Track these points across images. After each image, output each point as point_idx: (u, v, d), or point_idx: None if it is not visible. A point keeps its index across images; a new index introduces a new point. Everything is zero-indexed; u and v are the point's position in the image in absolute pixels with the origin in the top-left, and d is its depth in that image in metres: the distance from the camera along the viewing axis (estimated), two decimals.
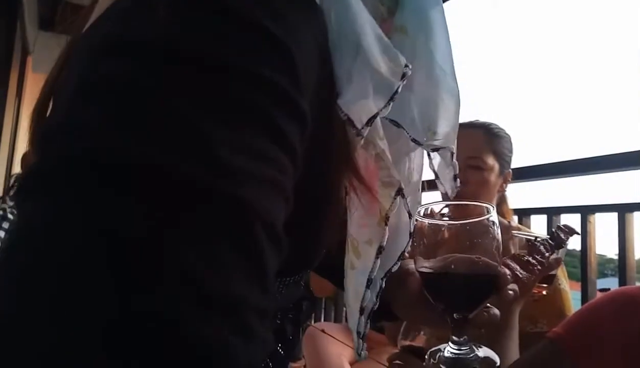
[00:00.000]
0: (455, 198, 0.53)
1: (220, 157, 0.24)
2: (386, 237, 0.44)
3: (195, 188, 0.23)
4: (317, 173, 0.37)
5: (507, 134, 1.46)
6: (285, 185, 0.28)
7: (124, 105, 0.24)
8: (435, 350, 0.51)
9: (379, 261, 0.44)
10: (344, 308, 2.54)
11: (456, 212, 0.51)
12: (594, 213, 1.90)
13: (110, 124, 0.23)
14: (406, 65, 0.39)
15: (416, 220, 0.51)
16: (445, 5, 0.53)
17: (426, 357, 0.52)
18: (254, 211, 0.25)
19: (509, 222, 1.43)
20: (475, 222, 0.46)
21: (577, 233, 0.79)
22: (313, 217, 0.41)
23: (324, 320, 2.73)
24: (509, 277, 0.47)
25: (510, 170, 1.45)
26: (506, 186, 1.44)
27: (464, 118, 1.48)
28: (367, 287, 0.46)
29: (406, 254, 0.51)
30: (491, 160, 1.40)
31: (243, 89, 0.26)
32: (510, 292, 0.47)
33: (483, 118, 1.53)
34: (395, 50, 0.39)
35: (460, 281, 0.47)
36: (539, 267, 0.52)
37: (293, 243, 0.41)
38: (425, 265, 0.49)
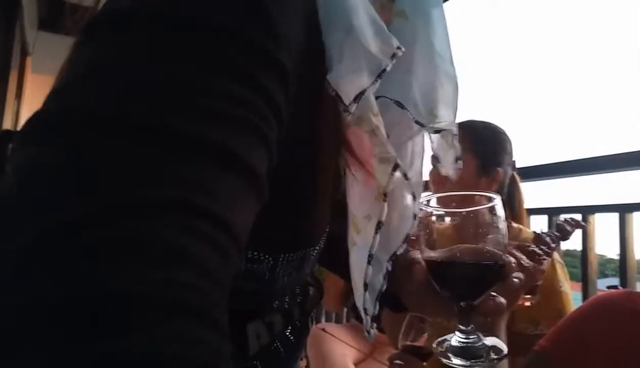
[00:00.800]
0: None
1: (186, 101, 0.25)
2: (385, 212, 0.44)
3: (163, 132, 0.24)
4: (310, 147, 0.38)
5: (495, 133, 1.42)
6: (263, 129, 0.29)
7: (99, 63, 0.26)
8: (442, 339, 0.52)
9: (378, 237, 0.45)
10: (344, 309, 2.54)
11: (461, 203, 0.52)
12: (594, 214, 1.91)
13: (88, 82, 0.26)
14: (398, 47, 0.40)
15: (421, 209, 0.52)
16: (445, 5, 0.55)
17: (434, 345, 0.52)
18: (217, 148, 0.25)
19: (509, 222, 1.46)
20: (479, 210, 0.47)
21: (583, 226, 0.80)
22: (308, 190, 0.42)
23: (325, 321, 2.73)
24: (514, 265, 0.48)
25: (504, 170, 1.39)
26: (498, 186, 1.37)
27: (463, 117, 1.48)
28: (369, 263, 0.46)
29: (412, 237, 0.52)
30: (469, 159, 1.37)
31: (210, 39, 0.27)
32: (516, 280, 0.48)
33: (484, 117, 1.53)
34: (388, 33, 0.40)
35: (466, 269, 0.49)
36: (544, 257, 0.53)
37: (290, 217, 0.42)
38: (432, 254, 0.50)
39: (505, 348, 0.50)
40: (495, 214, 0.48)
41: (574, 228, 0.71)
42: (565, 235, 0.67)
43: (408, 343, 1.14)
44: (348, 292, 2.02)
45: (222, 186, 0.25)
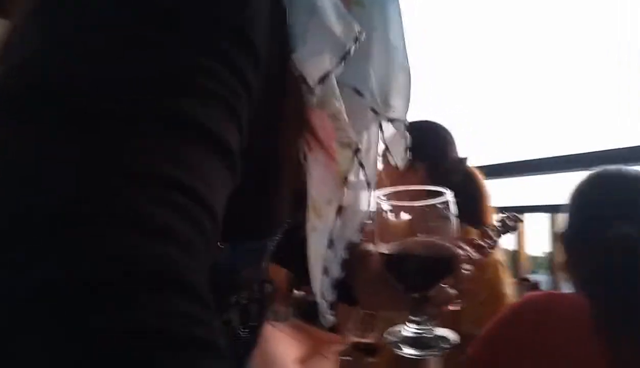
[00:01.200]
0: None
1: (160, 75, 0.25)
2: (344, 197, 0.45)
3: (138, 107, 0.24)
4: (272, 128, 0.38)
5: (418, 130, 1.41)
6: (236, 107, 0.28)
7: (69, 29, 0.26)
8: (393, 329, 0.54)
9: (338, 221, 0.46)
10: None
11: (414, 198, 0.54)
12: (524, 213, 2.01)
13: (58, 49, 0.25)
14: (360, 32, 0.41)
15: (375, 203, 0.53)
16: None
17: (384, 335, 0.54)
18: (192, 123, 0.25)
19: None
20: (430, 204, 0.49)
21: (522, 221, 0.86)
22: (270, 176, 0.42)
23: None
24: (463, 257, 0.51)
25: (424, 165, 1.34)
26: (427, 179, 1.31)
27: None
28: (329, 247, 0.47)
29: (367, 229, 0.53)
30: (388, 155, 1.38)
31: (183, 16, 0.27)
32: (466, 271, 0.50)
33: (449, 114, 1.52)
34: (350, 17, 0.41)
35: (419, 262, 0.51)
36: (489, 250, 0.57)
37: (252, 203, 0.42)
38: (385, 248, 0.52)
39: (456, 338, 0.52)
40: (446, 208, 0.50)
41: (515, 223, 0.76)
42: (507, 230, 0.72)
43: (357, 339, 1.16)
44: (291, 291, 2.02)
45: (197, 161, 0.25)
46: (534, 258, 2.39)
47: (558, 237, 1.01)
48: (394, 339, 0.53)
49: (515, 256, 2.03)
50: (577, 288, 1.00)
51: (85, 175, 0.21)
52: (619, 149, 1.68)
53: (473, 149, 1.52)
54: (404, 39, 0.52)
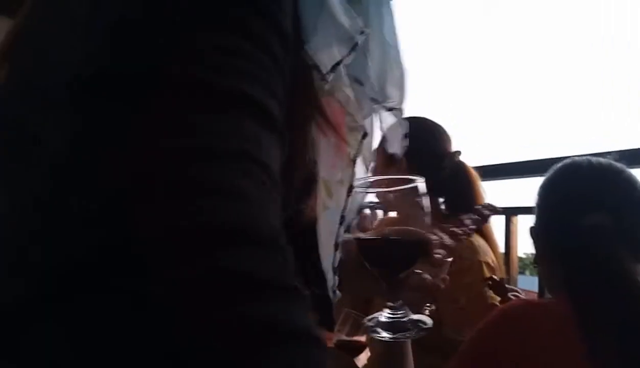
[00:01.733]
0: None
1: (216, 59, 0.27)
2: (355, 177, 0.48)
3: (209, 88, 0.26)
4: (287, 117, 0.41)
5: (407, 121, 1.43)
6: (278, 93, 0.31)
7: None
8: (372, 316, 0.56)
9: (350, 199, 0.49)
10: None
11: (390, 186, 0.56)
12: (517, 215, 2.03)
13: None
14: (363, 26, 0.45)
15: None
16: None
17: (364, 321, 0.56)
18: (254, 103, 0.28)
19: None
20: (402, 190, 0.52)
21: (499, 212, 0.88)
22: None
23: None
24: (436, 242, 0.53)
25: (406, 159, 1.39)
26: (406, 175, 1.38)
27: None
28: (340, 223, 0.50)
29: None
30: (379, 150, 1.38)
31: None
32: (438, 255, 0.53)
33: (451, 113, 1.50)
34: (354, 13, 0.44)
35: (390, 246, 0.53)
36: (463, 236, 0.59)
37: None
38: (361, 234, 0.54)
39: (430, 322, 0.54)
40: (417, 194, 0.52)
41: (490, 212, 0.78)
42: (483, 218, 0.74)
43: (342, 338, 1.17)
44: None
45: (261, 138, 0.28)
46: (520, 259, 2.40)
47: (530, 232, 1.00)
48: (371, 324, 0.55)
49: (506, 257, 2.04)
50: (552, 288, 1.00)
51: (172, 144, 0.24)
52: (615, 151, 1.70)
53: (466, 150, 1.51)
54: (397, 37, 0.56)
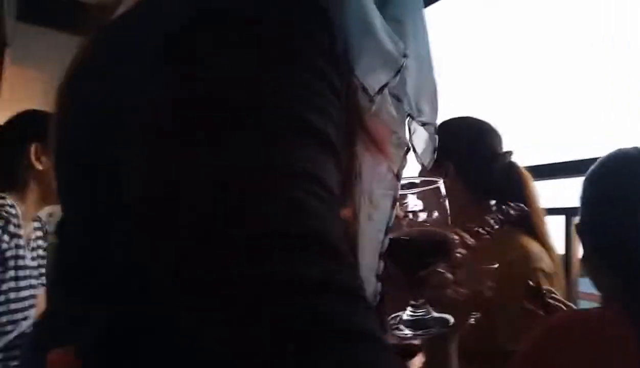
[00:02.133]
0: None
1: (297, 94, 0.31)
2: (399, 190, 0.51)
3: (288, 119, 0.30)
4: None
5: (453, 127, 1.38)
6: (332, 113, 0.34)
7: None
8: (396, 315, 0.58)
9: (394, 211, 0.52)
10: None
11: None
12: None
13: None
14: (405, 48, 0.47)
15: None
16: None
17: (388, 319, 0.58)
18: (319, 132, 0.31)
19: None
20: (424, 191, 0.53)
21: (526, 211, 0.86)
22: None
23: None
24: (457, 242, 0.54)
25: (453, 164, 1.33)
26: (454, 180, 1.30)
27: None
28: (385, 233, 0.52)
29: None
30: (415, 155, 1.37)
31: (293, 41, 0.33)
32: (459, 254, 0.54)
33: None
34: (395, 35, 0.48)
35: (411, 245, 0.55)
36: (487, 236, 0.59)
37: None
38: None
39: (451, 319, 0.56)
40: (439, 194, 0.54)
41: (517, 212, 0.77)
42: (508, 219, 0.73)
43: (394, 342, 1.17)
44: None
45: (325, 163, 0.31)
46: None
47: (575, 231, 0.95)
48: (393, 322, 0.57)
49: (566, 260, 1.95)
50: (601, 290, 0.92)
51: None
52: None
53: (520, 149, 1.45)
54: (429, 53, 0.58)
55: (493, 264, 0.79)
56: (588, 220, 0.90)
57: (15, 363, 1.43)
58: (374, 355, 0.24)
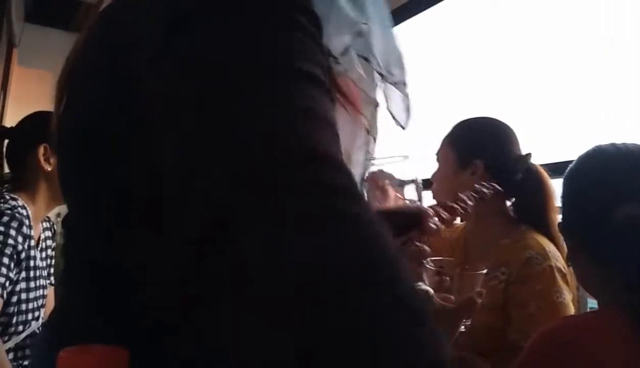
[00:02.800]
0: None
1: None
2: (372, 145, 0.55)
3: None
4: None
5: (481, 125, 1.42)
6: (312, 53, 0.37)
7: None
8: None
9: (365, 165, 0.56)
10: None
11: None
12: None
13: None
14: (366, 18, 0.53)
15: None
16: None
17: None
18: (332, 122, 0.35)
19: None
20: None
21: (500, 191, 0.90)
22: None
23: None
24: (430, 212, 0.59)
25: (487, 163, 1.36)
26: (481, 179, 1.29)
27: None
28: (360, 185, 0.57)
29: None
30: (448, 152, 1.41)
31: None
32: (432, 225, 0.58)
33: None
34: (356, 7, 0.53)
35: (388, 215, 0.59)
36: (461, 211, 0.63)
37: None
38: None
39: (431, 291, 0.60)
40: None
41: (489, 191, 0.79)
42: (482, 196, 0.76)
43: None
44: None
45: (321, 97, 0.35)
46: None
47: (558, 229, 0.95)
48: None
49: None
50: (588, 288, 0.93)
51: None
52: None
53: (535, 148, 1.46)
54: (392, 27, 0.63)
55: (483, 270, 0.82)
56: (568, 218, 0.91)
57: (26, 362, 1.45)
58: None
